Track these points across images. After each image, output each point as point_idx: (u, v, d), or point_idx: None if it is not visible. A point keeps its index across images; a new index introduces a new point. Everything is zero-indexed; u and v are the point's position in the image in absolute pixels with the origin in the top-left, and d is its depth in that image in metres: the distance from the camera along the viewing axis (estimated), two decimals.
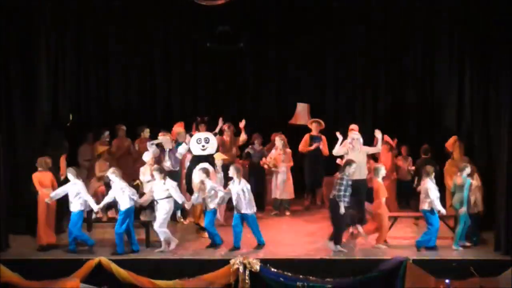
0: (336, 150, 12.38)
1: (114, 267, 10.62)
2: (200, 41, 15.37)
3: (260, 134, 14.30)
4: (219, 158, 12.46)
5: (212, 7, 12.52)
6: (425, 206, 11.37)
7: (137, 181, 12.13)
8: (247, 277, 10.54)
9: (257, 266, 10.56)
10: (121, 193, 11.23)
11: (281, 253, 11.27)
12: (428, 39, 14.93)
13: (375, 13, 15.31)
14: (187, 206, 11.71)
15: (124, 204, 11.23)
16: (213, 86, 16.09)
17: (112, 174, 11.32)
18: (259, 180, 13.98)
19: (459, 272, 10.56)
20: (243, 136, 13.83)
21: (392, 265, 10.61)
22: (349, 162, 11.45)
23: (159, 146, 12.90)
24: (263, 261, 10.65)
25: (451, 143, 13.12)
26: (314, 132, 14.10)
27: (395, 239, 11.86)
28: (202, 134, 12.81)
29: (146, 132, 13.85)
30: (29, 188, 11.89)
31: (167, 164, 12.75)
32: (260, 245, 11.45)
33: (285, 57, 15.92)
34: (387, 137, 13.32)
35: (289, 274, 10.54)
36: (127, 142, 13.84)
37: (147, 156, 12.41)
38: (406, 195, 13.86)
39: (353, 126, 13.42)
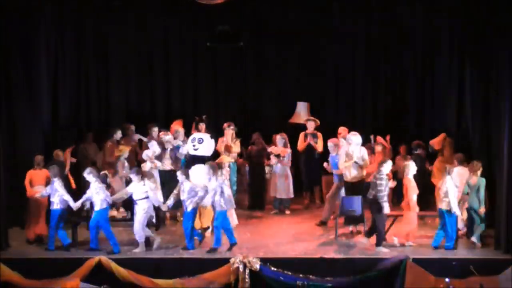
0: (343, 165, 12.40)
1: (114, 266, 10.61)
2: (200, 40, 15.40)
3: (260, 133, 14.31)
4: (225, 160, 12.25)
5: (212, 7, 12.55)
6: (443, 205, 11.29)
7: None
8: (247, 276, 10.53)
9: (257, 265, 10.55)
10: (95, 194, 11.24)
11: (281, 252, 11.27)
12: (428, 39, 14.94)
13: (375, 13, 15.33)
14: (163, 208, 11.66)
15: (98, 205, 11.23)
16: (213, 85, 16.11)
17: (89, 175, 11.33)
18: (258, 179, 14.00)
19: (459, 271, 10.56)
20: (236, 149, 13.84)
21: (392, 264, 10.60)
22: (383, 161, 11.43)
23: (160, 144, 12.89)
24: (263, 260, 10.64)
25: (439, 141, 13.14)
26: (309, 130, 14.12)
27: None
28: (197, 135, 12.60)
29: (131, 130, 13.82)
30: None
31: (168, 163, 12.74)
32: (232, 244, 11.34)
33: (285, 57, 15.94)
34: (380, 139, 13.39)
35: (289, 273, 10.53)
36: (134, 142, 13.85)
37: (148, 154, 12.40)
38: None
39: (341, 129, 13.43)
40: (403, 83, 15.72)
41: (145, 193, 11.32)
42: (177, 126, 13.68)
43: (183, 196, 11.32)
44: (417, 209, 11.47)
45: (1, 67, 12.04)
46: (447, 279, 10.34)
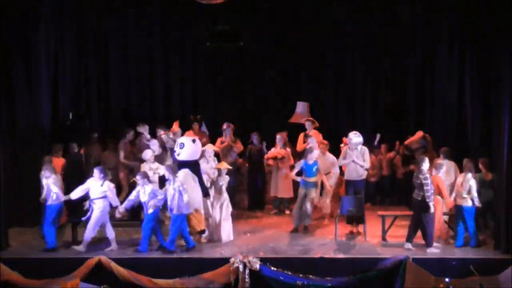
0: (341, 163, 12.44)
1: (114, 266, 10.61)
2: (200, 40, 15.41)
3: (259, 133, 14.31)
4: (221, 166, 12.04)
5: (212, 7, 12.55)
6: (466, 202, 11.30)
7: (134, 179, 12.11)
8: (247, 276, 10.53)
9: (257, 265, 10.55)
10: (50, 191, 11.27)
11: (281, 252, 11.27)
12: (428, 39, 14.94)
13: (375, 12, 15.33)
14: (120, 210, 11.55)
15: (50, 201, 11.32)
16: (213, 85, 16.12)
17: (143, 179, 11.38)
18: (258, 179, 14.00)
19: (459, 270, 10.55)
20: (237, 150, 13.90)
21: (391, 264, 10.60)
22: (421, 159, 11.29)
23: (161, 145, 12.88)
24: (263, 260, 10.64)
25: (417, 139, 13.20)
26: (309, 131, 14.12)
27: (395, 238, 11.85)
28: (181, 139, 12.09)
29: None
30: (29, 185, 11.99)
31: (169, 163, 12.71)
32: (190, 247, 11.30)
33: (285, 56, 15.95)
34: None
35: (289, 272, 10.53)
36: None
37: (147, 154, 12.39)
38: None
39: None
40: (403, 83, 15.73)
41: (103, 192, 11.30)
42: (175, 127, 13.67)
43: (143, 199, 11.25)
44: (443, 207, 11.48)
45: (1, 66, 12.04)
46: (447, 279, 10.32)
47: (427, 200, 11.03)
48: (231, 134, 13.97)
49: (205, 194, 11.72)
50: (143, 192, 11.24)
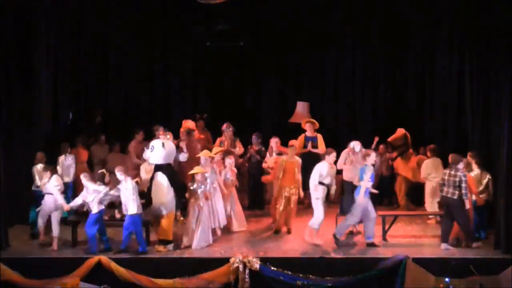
0: (339, 166, 12.41)
1: (114, 266, 10.61)
2: (200, 40, 15.41)
3: (260, 133, 14.30)
4: (196, 171, 11.66)
5: (212, 6, 12.56)
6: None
7: (137, 179, 12.13)
8: (247, 276, 10.54)
9: (257, 265, 10.55)
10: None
11: (281, 252, 11.28)
12: (428, 39, 14.94)
13: (375, 12, 15.34)
14: (65, 208, 11.56)
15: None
16: (213, 85, 16.12)
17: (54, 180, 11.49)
18: (258, 179, 13.98)
19: (459, 270, 10.55)
20: (238, 151, 13.85)
21: (391, 264, 10.60)
22: (458, 159, 11.34)
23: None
24: (263, 260, 10.64)
25: (400, 137, 13.30)
26: (308, 133, 14.10)
27: (395, 238, 11.85)
28: (152, 142, 11.78)
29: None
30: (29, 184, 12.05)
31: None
32: (142, 251, 11.18)
33: (285, 56, 15.95)
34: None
35: (289, 272, 10.53)
36: None
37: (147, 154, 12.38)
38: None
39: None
40: (403, 83, 15.72)
41: (49, 188, 11.40)
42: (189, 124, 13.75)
43: (87, 199, 11.30)
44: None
45: (0, 66, 12.05)
46: (447, 279, 10.33)
47: (464, 197, 11.09)
48: (231, 134, 13.96)
49: (180, 197, 11.69)
50: (125, 188, 11.20)
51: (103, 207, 11.33)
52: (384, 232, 11.92)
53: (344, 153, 12.46)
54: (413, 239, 11.73)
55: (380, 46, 15.70)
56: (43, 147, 12.68)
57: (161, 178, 11.32)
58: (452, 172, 11.25)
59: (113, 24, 15.48)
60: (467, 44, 13.05)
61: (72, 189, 12.80)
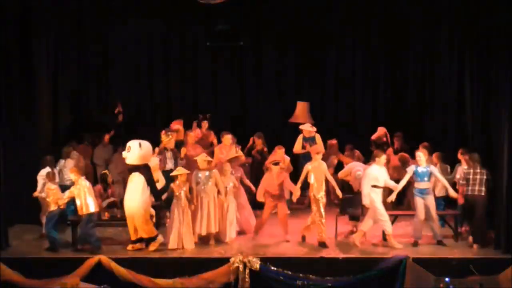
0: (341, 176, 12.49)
1: (114, 266, 10.60)
2: (200, 39, 15.42)
3: (260, 133, 14.31)
4: (178, 173, 11.56)
5: (212, 6, 12.58)
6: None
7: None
8: (247, 276, 10.54)
9: (257, 265, 10.55)
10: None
11: (281, 252, 11.28)
12: (428, 40, 14.95)
13: (375, 12, 15.35)
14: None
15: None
16: (212, 85, 16.13)
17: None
18: (260, 178, 13.95)
19: (459, 270, 10.56)
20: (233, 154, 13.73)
21: (392, 264, 10.60)
22: (476, 157, 11.45)
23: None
24: (263, 260, 10.64)
25: (381, 135, 13.50)
26: (306, 133, 14.12)
27: (395, 238, 11.83)
28: (129, 142, 11.57)
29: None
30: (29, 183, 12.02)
31: (170, 162, 12.71)
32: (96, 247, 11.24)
33: (285, 56, 15.95)
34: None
35: (289, 272, 10.53)
36: None
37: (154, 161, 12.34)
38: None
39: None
40: (403, 83, 15.73)
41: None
42: (177, 126, 13.67)
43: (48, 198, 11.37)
44: None
45: (1, 66, 12.05)
46: (447, 279, 10.33)
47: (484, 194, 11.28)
48: (229, 142, 13.83)
49: (157, 199, 11.70)
50: (79, 188, 11.22)
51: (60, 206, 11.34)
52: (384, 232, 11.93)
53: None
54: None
55: (380, 46, 15.72)
56: (47, 148, 12.70)
57: (138, 179, 11.28)
58: (477, 170, 11.34)
59: (113, 24, 15.49)
60: (467, 44, 13.06)
61: None
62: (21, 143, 12.70)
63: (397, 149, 13.95)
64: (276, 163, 11.94)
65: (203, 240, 11.66)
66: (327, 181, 11.77)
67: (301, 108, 15.10)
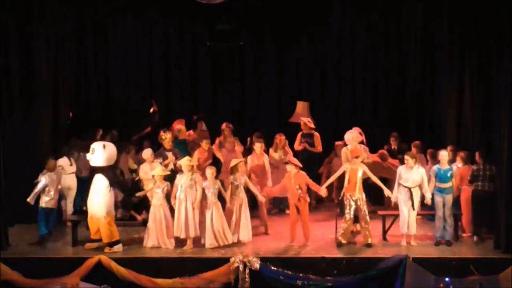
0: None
1: (114, 266, 10.60)
2: (200, 39, 15.42)
3: (260, 133, 14.29)
4: (156, 173, 11.61)
5: (212, 6, 12.58)
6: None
7: (138, 177, 12.17)
8: (247, 276, 10.54)
9: (257, 265, 10.55)
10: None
11: (281, 252, 11.27)
12: (428, 39, 14.94)
13: (375, 12, 15.35)
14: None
15: None
16: (212, 84, 16.12)
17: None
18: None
19: (459, 270, 10.55)
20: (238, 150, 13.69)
21: (392, 263, 10.60)
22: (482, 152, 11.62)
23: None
24: (263, 260, 10.65)
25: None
26: (305, 131, 14.12)
27: (395, 238, 11.85)
28: (93, 144, 11.67)
29: None
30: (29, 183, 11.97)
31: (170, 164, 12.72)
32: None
33: (285, 56, 15.95)
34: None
35: (289, 272, 10.53)
36: None
37: (147, 154, 12.39)
38: None
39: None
40: (403, 83, 15.72)
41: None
42: (180, 126, 13.70)
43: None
44: None
45: (0, 66, 12.05)
46: (447, 279, 10.33)
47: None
48: (229, 134, 13.93)
49: (124, 206, 11.89)
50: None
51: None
52: (384, 232, 11.92)
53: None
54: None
55: (381, 46, 15.68)
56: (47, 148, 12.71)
57: (101, 181, 11.32)
58: (487, 166, 11.50)
59: (113, 24, 15.49)
60: (467, 43, 13.07)
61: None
62: (22, 143, 12.69)
63: (394, 149, 13.92)
64: (287, 163, 11.88)
65: (182, 243, 11.51)
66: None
67: (301, 108, 15.11)
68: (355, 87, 16.05)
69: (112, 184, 11.35)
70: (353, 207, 11.51)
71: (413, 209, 11.47)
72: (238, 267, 10.55)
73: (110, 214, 11.31)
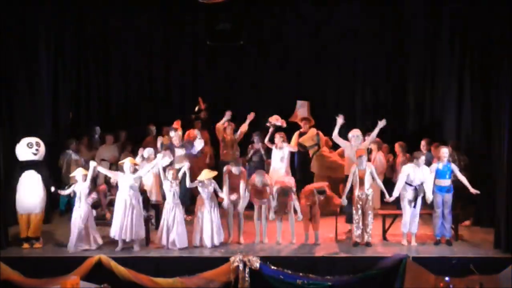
0: (335, 135, 12.36)
1: (114, 265, 10.62)
2: (200, 39, 15.42)
3: (260, 132, 14.31)
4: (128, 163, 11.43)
5: (212, 5, 12.60)
6: None
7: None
8: (247, 275, 10.55)
9: (257, 264, 10.57)
10: None
11: (281, 251, 11.28)
12: (429, 39, 14.94)
13: (376, 12, 15.36)
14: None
15: None
16: (212, 84, 16.13)
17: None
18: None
19: (459, 269, 10.56)
20: (244, 127, 13.73)
21: (391, 263, 10.61)
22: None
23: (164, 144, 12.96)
24: (263, 259, 10.66)
25: (312, 136, 13.84)
26: (303, 130, 14.12)
27: (394, 237, 11.85)
28: (33, 139, 11.77)
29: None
30: None
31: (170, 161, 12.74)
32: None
33: (285, 55, 15.95)
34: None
35: (289, 271, 10.54)
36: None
37: (147, 153, 12.36)
38: None
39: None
40: (403, 83, 15.73)
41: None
42: (176, 126, 13.71)
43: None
44: None
45: (0, 66, 12.06)
46: (447, 278, 10.33)
47: None
48: (231, 133, 13.94)
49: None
50: None
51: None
52: (384, 231, 11.93)
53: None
54: (414, 238, 11.70)
55: (381, 46, 15.69)
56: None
57: (34, 176, 11.52)
58: (461, 157, 12.10)
59: (113, 24, 15.50)
60: (467, 43, 13.07)
61: None
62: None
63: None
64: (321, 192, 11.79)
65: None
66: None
67: (301, 107, 15.08)
68: (355, 86, 16.04)
69: (45, 180, 11.57)
70: (360, 210, 11.52)
71: (417, 207, 11.50)
72: (238, 266, 10.56)
73: (41, 211, 11.56)
